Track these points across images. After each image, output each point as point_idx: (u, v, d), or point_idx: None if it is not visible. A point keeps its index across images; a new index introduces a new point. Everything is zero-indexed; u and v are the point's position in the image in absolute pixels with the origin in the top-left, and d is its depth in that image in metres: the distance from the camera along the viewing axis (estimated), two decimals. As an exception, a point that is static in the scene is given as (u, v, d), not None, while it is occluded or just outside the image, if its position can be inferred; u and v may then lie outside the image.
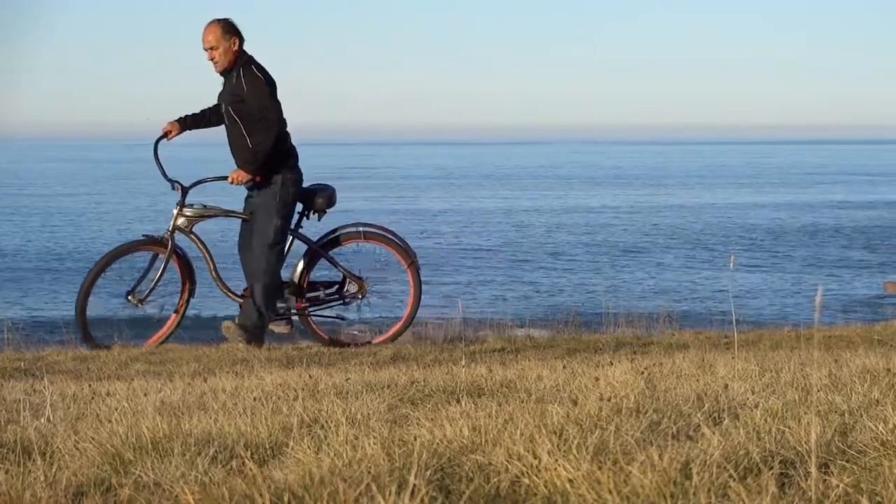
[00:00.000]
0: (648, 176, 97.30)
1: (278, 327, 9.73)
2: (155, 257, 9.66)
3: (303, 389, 5.85)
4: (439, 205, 60.17)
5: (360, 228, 10.04)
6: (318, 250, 9.86)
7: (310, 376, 6.58)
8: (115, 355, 9.00)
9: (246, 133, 9.40)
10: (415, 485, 3.25)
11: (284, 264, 9.73)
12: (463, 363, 7.19)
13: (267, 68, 9.46)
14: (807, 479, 3.48)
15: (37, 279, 28.36)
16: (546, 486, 3.48)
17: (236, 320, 9.50)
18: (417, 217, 51.36)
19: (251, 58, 9.44)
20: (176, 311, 9.75)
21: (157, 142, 9.72)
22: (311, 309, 9.87)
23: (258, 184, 9.49)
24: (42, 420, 5.18)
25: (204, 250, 9.69)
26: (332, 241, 9.94)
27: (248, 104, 9.34)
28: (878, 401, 4.80)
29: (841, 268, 33.08)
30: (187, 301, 9.79)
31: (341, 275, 9.97)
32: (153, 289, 9.63)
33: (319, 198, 9.73)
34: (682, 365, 6.73)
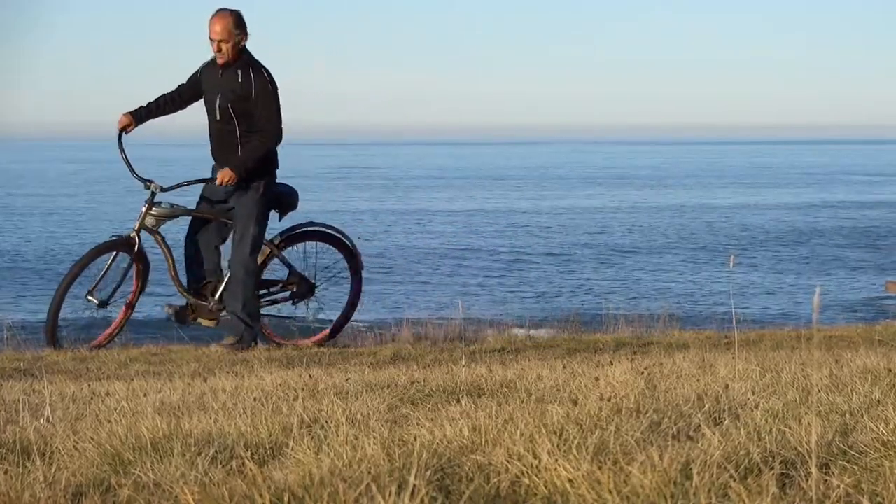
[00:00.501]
0: (648, 176, 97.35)
1: (170, 310, 9.68)
2: (116, 256, 9.53)
3: (303, 389, 5.85)
4: (439, 205, 60.19)
5: (313, 228, 10.00)
6: (274, 250, 9.80)
7: (310, 376, 6.58)
8: (115, 355, 8.99)
9: (239, 132, 9.33)
10: (415, 485, 3.25)
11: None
12: (463, 363, 7.19)
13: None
14: (807, 480, 3.48)
15: (37, 279, 28.38)
16: (546, 487, 3.48)
17: (224, 342, 9.44)
18: (417, 217, 51.37)
19: (253, 57, 9.38)
20: (124, 311, 9.62)
21: (119, 139, 9.48)
22: (260, 308, 9.79)
23: (236, 188, 9.41)
24: (41, 420, 5.17)
25: (166, 251, 9.57)
26: (285, 240, 9.89)
27: (252, 105, 9.27)
28: (878, 401, 4.79)
29: (841, 268, 33.10)
30: (135, 302, 9.67)
31: (291, 274, 9.93)
32: (117, 289, 9.53)
33: (287, 202, 9.70)
34: (682, 365, 6.73)
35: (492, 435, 4.06)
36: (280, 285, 9.93)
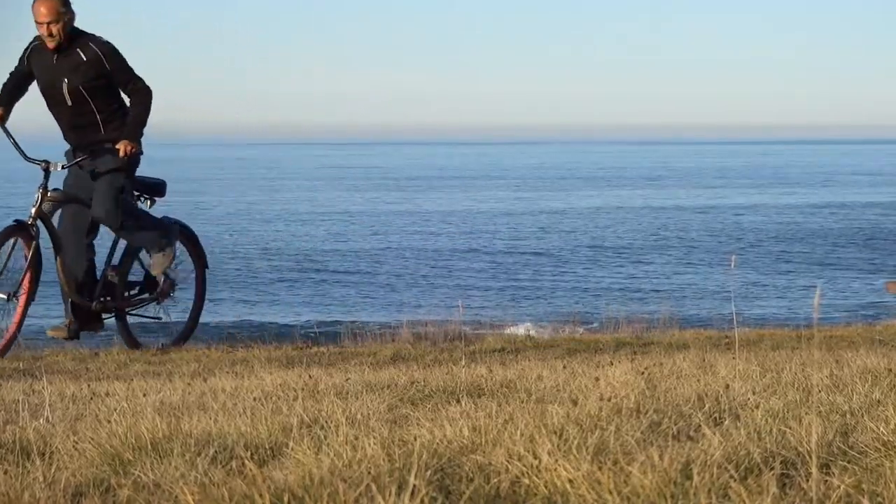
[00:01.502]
0: (648, 176, 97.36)
1: (57, 332, 9.19)
2: (15, 244, 9.01)
3: (303, 389, 5.85)
4: (439, 205, 60.18)
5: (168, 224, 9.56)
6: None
7: (310, 376, 6.57)
8: (115, 355, 8.98)
9: (97, 109, 8.95)
10: (415, 485, 3.24)
11: (94, 264, 9.29)
12: (463, 363, 7.18)
13: None
14: (808, 480, 3.47)
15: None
16: (546, 487, 3.47)
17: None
18: (417, 218, 51.37)
19: (83, 31, 8.99)
20: (21, 307, 9.01)
21: (3, 128, 9.09)
22: (128, 308, 9.47)
23: (98, 171, 8.99)
24: (41, 420, 5.17)
25: (57, 241, 9.03)
26: None
27: (106, 79, 8.90)
28: (879, 401, 4.79)
29: (841, 268, 33.10)
30: (28, 303, 9.07)
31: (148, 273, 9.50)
32: (24, 279, 9.00)
33: (155, 189, 9.36)
34: (682, 365, 6.72)
35: (492, 435, 4.06)
36: (139, 286, 9.53)
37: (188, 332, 9.84)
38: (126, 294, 9.45)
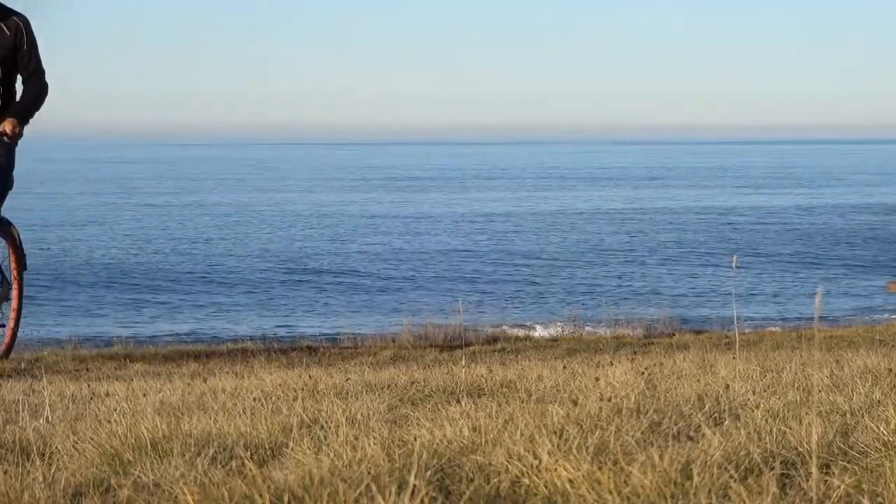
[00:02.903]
0: (648, 176, 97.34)
1: None
2: None
3: (302, 390, 5.84)
4: (439, 206, 60.16)
5: None
6: None
7: (310, 377, 6.58)
8: (115, 356, 8.98)
9: (6, 88, 8.42)
10: (415, 485, 3.24)
11: None
12: (463, 363, 7.18)
13: None
14: (808, 480, 3.47)
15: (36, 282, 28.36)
16: (546, 487, 3.47)
17: None
18: (417, 218, 51.35)
19: (5, 5, 8.56)
20: None
21: None
22: None
23: None
24: (41, 420, 5.17)
25: None
26: None
27: (25, 54, 8.43)
28: (879, 401, 4.79)
29: (842, 268, 33.10)
30: None
31: None
32: None
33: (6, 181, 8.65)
34: (682, 365, 6.72)
35: (492, 435, 4.05)
36: None
37: (11, 342, 9.04)
38: None
